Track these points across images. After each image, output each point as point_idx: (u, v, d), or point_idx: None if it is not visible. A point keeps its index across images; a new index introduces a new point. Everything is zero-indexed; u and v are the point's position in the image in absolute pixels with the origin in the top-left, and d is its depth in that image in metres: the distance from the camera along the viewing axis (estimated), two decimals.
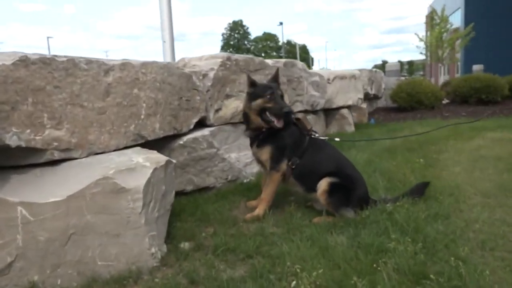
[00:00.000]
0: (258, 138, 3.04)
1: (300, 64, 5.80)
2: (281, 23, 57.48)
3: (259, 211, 2.97)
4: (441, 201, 3.19)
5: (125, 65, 2.67)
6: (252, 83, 3.09)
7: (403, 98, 9.29)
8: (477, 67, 16.79)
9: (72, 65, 2.32)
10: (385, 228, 2.65)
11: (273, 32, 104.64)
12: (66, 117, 2.28)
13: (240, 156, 4.07)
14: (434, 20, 20.23)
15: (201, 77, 3.76)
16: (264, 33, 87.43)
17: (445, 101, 10.22)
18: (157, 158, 2.41)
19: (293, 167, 2.96)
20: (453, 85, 9.98)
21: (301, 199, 3.29)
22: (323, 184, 2.89)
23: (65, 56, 2.31)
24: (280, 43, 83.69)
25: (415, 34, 19.60)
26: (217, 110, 3.97)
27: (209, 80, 3.84)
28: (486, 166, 4.35)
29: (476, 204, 3.21)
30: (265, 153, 2.98)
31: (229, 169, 3.74)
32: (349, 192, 2.89)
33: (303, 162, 2.96)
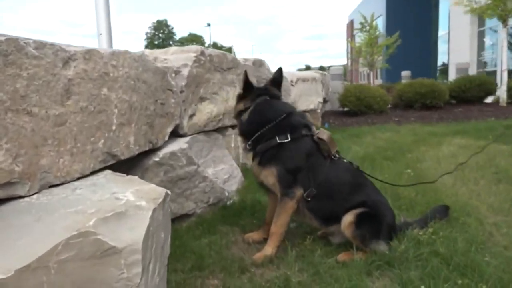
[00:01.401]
0: (262, 153, 2.35)
1: (266, 63, 5.19)
2: (208, 24, 56.58)
3: (269, 249, 2.28)
4: (465, 223, 2.78)
5: (90, 53, 1.83)
6: (246, 85, 2.45)
7: (352, 102, 9.11)
8: (405, 73, 17.53)
9: (14, 49, 1.46)
10: (433, 267, 2.13)
11: (199, 33, 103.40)
12: (6, 131, 1.42)
13: (217, 172, 3.34)
14: (363, 27, 20.87)
15: (173, 75, 2.98)
16: (190, 34, 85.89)
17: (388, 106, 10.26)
18: (151, 190, 1.62)
19: (309, 199, 2.33)
20: (398, 90, 10.05)
21: (307, 227, 2.68)
22: (349, 217, 2.29)
23: (3, 35, 1.44)
24: (206, 45, 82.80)
25: (348, 40, 20.06)
26: (191, 116, 3.20)
27: (182, 78, 3.07)
28: (474, 176, 4.09)
29: (498, 224, 2.85)
30: (270, 174, 2.30)
31: (211, 189, 3.00)
32: (379, 221, 2.32)
33: (322, 191, 2.33)
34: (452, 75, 18.89)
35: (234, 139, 4.13)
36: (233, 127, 4.16)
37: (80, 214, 1.33)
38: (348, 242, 2.38)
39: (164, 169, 2.58)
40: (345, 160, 2.51)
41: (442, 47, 26.25)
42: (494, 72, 16.08)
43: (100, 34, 5.33)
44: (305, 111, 6.51)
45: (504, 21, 9.15)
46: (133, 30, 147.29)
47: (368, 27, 20.33)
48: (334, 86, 10.51)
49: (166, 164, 2.60)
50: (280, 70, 2.63)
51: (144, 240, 1.34)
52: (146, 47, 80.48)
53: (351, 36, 41.79)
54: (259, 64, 4.88)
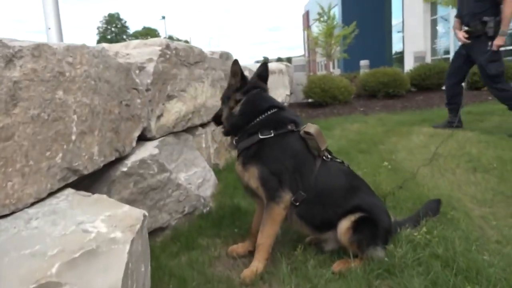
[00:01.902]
0: (245, 151, 2.12)
1: (232, 56, 4.91)
2: (163, 17, 55.07)
3: (258, 264, 2.04)
4: (453, 218, 2.68)
5: (40, 49, 1.51)
6: (242, 76, 2.19)
7: (317, 94, 9.01)
8: (364, 63, 17.76)
9: None
10: (435, 272, 1.98)
11: (154, 27, 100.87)
12: None
13: (190, 176, 3.06)
14: (321, 17, 20.90)
15: (137, 72, 2.66)
16: (144, 28, 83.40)
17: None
18: (126, 216, 1.34)
19: (297, 203, 2.11)
20: (361, 79, 10.06)
21: (294, 233, 2.47)
22: (345, 223, 2.09)
23: None
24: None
25: (306, 30, 20.04)
26: (158, 117, 2.90)
27: (147, 75, 2.75)
28: (450, 166, 4.05)
29: (485, 216, 2.78)
30: (253, 176, 2.05)
31: (186, 197, 2.72)
32: (376, 226, 2.14)
33: (313, 195, 2.11)
34: (408, 64, 19.37)
35: (205, 138, 3.85)
36: (203, 125, 3.88)
37: (38, 257, 1.04)
38: (341, 249, 2.19)
39: (133, 179, 2.28)
40: (338, 160, 2.31)
41: (396, 36, 26.88)
42: (447, 60, 16.62)
43: (49, 28, 4.84)
44: None
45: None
46: (83, 24, 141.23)
47: (326, 17, 20.38)
48: (297, 78, 10.37)
49: (136, 173, 2.29)
50: (265, 65, 2.38)
51: (123, 283, 1.07)
52: (99, 42, 77.54)
53: (307, 26, 42.04)
54: (225, 57, 4.60)
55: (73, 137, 1.65)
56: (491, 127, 5.80)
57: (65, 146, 1.60)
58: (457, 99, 5.79)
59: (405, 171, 3.92)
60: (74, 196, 1.51)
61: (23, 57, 1.41)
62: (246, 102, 2.12)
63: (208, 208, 2.95)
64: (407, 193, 3.24)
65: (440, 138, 5.33)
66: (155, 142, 2.75)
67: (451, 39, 17.17)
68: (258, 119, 2.08)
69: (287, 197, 2.05)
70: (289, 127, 2.10)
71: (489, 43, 5.11)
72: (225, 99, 2.24)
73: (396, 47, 27.15)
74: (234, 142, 2.15)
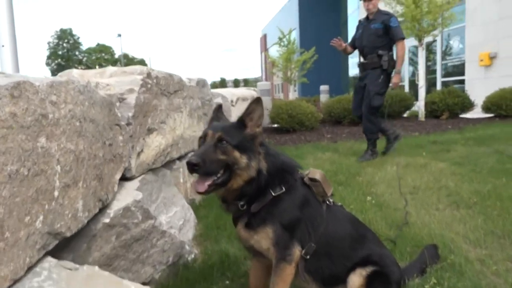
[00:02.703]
0: (247, 212, 1.83)
1: (207, 83, 4.68)
2: (119, 35, 53.93)
3: None
4: (454, 263, 2.56)
5: (21, 88, 1.21)
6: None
7: (284, 119, 8.93)
8: (324, 88, 18.12)
9: None
10: None
11: (108, 44, 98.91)
12: None
13: (171, 219, 2.76)
14: (281, 41, 21.20)
15: (117, 104, 2.36)
16: (98, 45, 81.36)
17: None
18: None
19: (307, 257, 1.88)
20: (327, 106, 10.12)
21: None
22: (357, 279, 1.88)
23: None
24: (116, 56, 78.92)
25: (264, 53, 20.20)
26: (139, 154, 2.59)
27: (129, 108, 2.46)
28: (431, 200, 4.00)
29: (483, 260, 2.69)
30: (265, 237, 1.78)
31: (170, 246, 2.41)
32: (388, 280, 1.95)
33: (322, 247, 1.87)
34: None
35: (182, 172, 3.55)
36: (180, 158, 3.59)
37: None
38: None
39: (116, 231, 1.96)
40: (339, 204, 2.12)
41: (352, 61, 27.80)
42: (401, 87, 17.30)
43: (3, 46, 4.41)
44: None
45: (420, 40, 9.70)
46: (32, 39, 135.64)
47: (286, 42, 20.68)
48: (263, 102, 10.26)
49: (119, 224, 1.98)
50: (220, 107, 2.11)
51: None
52: (49, 57, 74.61)
53: (265, 49, 42.66)
54: (202, 84, 4.36)
55: (56, 193, 1.35)
56: (459, 158, 5.89)
57: (46, 206, 1.29)
58: (376, 127, 6.10)
59: (389, 207, 3.82)
60: (58, 270, 1.20)
61: (0, 99, 1.11)
62: (268, 155, 1.83)
63: (192, 256, 2.65)
64: (400, 233, 3.11)
65: (412, 168, 5.35)
66: (135, 183, 2.45)
67: (405, 67, 17.93)
68: (271, 174, 1.83)
69: (297, 252, 1.82)
70: (295, 175, 1.89)
71: (381, 76, 5.65)
72: (248, 153, 1.75)
73: (352, 72, 28.05)
74: (239, 205, 1.81)
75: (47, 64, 74.95)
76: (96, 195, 1.72)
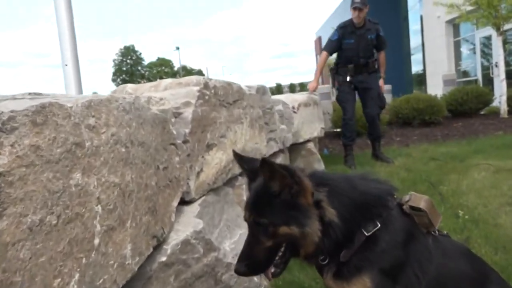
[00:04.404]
0: (335, 260, 1.41)
1: (267, 89, 4.37)
2: (177, 48, 55.85)
3: None
4: None
5: (46, 113, 0.95)
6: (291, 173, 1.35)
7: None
8: (386, 87, 17.18)
9: None
10: None
11: (168, 57, 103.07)
12: None
13: (236, 244, 2.45)
14: None
15: (172, 119, 2.10)
16: (159, 59, 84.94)
17: None
18: None
19: None
20: (394, 106, 9.43)
21: None
22: None
23: None
24: (175, 68, 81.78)
25: (318, 56, 19.69)
26: (198, 173, 2.32)
27: (185, 123, 2.20)
28: None
29: None
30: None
31: (237, 279, 2.10)
32: None
33: None
34: (431, 87, 18.70)
35: (245, 189, 3.25)
36: (242, 174, 3.29)
37: None
38: None
39: (174, 270, 1.67)
40: (444, 233, 1.67)
41: (413, 59, 26.32)
42: (474, 82, 15.93)
43: (66, 65, 4.40)
44: (308, 141, 5.71)
45: (498, 29, 8.73)
46: (99, 57, 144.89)
47: None
48: (323, 106, 9.80)
49: (177, 261, 1.69)
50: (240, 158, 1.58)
51: None
52: (114, 74, 79.13)
53: (320, 52, 41.83)
54: (262, 91, 4.05)
55: (96, 241, 1.07)
56: None
57: (84, 260, 1.01)
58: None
59: (487, 223, 3.25)
60: None
61: (17, 128, 0.85)
62: (335, 196, 1.39)
63: None
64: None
65: (508, 174, 4.65)
66: (195, 207, 2.17)
67: (477, 60, 16.54)
68: (352, 214, 1.43)
69: None
70: (389, 203, 1.48)
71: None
72: (298, 219, 1.31)
73: (415, 68, 26.55)
74: (320, 261, 1.42)
75: (113, 80, 79.43)
76: (149, 232, 1.44)
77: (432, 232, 1.54)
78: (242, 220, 2.83)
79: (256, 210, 1.37)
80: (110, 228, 1.15)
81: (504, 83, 9.02)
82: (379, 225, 1.39)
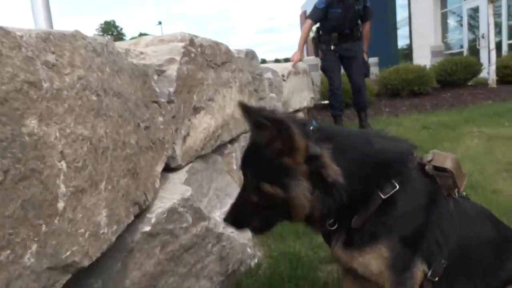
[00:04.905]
0: (345, 227, 1.23)
1: (255, 53, 4.12)
2: (160, 23, 54.39)
3: None
4: None
5: None
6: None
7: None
8: (373, 60, 17.01)
9: None
10: None
11: (150, 32, 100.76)
12: None
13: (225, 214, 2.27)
14: None
15: (155, 77, 1.87)
16: (140, 34, 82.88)
17: None
18: None
19: (436, 279, 1.28)
20: (383, 77, 9.26)
21: None
22: None
23: None
24: None
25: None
26: (184, 138, 2.11)
27: (170, 82, 1.97)
28: None
29: None
30: (377, 258, 1.21)
31: (229, 251, 1.93)
32: None
33: (457, 261, 1.28)
34: (417, 59, 18.54)
35: (235, 157, 3.05)
36: (231, 141, 3.09)
37: None
38: None
39: (160, 241, 1.48)
40: (464, 195, 1.49)
41: (400, 31, 26.04)
42: (460, 54, 15.82)
43: None
44: (298, 110, 5.52)
45: None
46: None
47: None
48: (311, 78, 9.59)
49: (163, 231, 1.50)
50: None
51: None
52: None
53: None
54: (251, 56, 3.81)
55: (60, 205, 0.87)
56: None
57: (44, 228, 0.81)
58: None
59: (486, 189, 3.14)
60: None
61: None
62: (342, 153, 1.19)
63: (256, 260, 2.15)
64: None
65: (502, 141, 4.56)
66: (182, 174, 1.97)
67: (464, 32, 16.40)
68: (365, 173, 1.24)
69: (419, 273, 1.25)
70: (409, 164, 1.29)
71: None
72: (282, 180, 1.13)
73: (401, 42, 26.33)
74: (327, 226, 1.24)
75: None
76: (129, 197, 1.24)
77: (453, 195, 1.37)
78: (232, 189, 2.66)
79: (245, 160, 1.23)
80: (79, 190, 0.95)
81: (494, 52, 8.90)
82: (398, 187, 1.21)
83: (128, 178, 1.24)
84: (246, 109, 1.13)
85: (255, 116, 1.10)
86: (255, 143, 1.19)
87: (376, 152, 1.25)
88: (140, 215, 1.42)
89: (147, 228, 1.42)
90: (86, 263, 0.95)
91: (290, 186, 1.12)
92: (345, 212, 1.21)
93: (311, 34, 6.52)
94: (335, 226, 1.23)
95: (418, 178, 1.28)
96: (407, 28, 23.04)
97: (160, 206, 1.54)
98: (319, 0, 5.80)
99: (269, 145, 1.12)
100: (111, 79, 1.18)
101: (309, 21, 5.90)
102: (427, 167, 1.31)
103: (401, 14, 25.03)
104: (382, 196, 1.19)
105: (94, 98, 1.05)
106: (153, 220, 1.45)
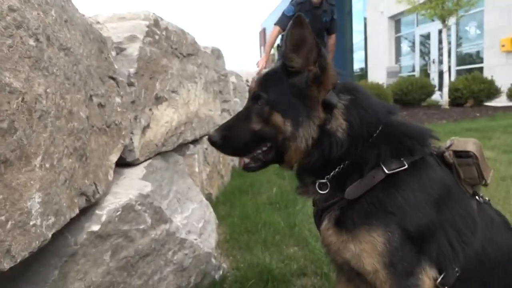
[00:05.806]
0: (347, 204, 1.05)
1: (221, 52, 3.90)
2: None
3: None
4: None
5: None
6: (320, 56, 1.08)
7: None
8: None
9: None
10: None
11: None
12: None
13: (188, 220, 2.00)
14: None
15: (114, 54, 1.60)
16: None
17: None
18: None
19: None
20: None
21: None
22: None
23: None
24: None
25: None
26: (144, 129, 1.83)
27: (130, 62, 1.71)
28: (501, 195, 3.26)
29: None
30: (371, 250, 1.00)
31: (193, 260, 1.65)
32: None
33: (473, 270, 1.09)
34: (373, 80, 19.11)
35: (198, 160, 2.78)
36: (194, 142, 2.82)
37: None
38: None
39: (111, 245, 1.19)
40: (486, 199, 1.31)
41: (357, 55, 26.91)
42: (412, 77, 16.47)
43: None
44: None
45: (444, 21, 8.90)
46: None
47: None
48: None
49: (116, 233, 1.21)
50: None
51: None
52: None
53: (264, 43, 41.74)
54: (217, 55, 3.59)
55: None
56: (506, 146, 5.15)
57: None
58: None
59: None
60: None
61: None
62: (357, 108, 1.07)
63: (221, 272, 1.89)
64: None
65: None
66: (140, 170, 1.70)
67: (416, 56, 17.13)
68: (372, 139, 1.07)
69: (427, 281, 1.05)
70: (425, 148, 1.11)
71: None
72: (296, 116, 1.06)
73: (357, 66, 27.21)
74: (318, 186, 1.09)
75: None
76: (73, 184, 0.96)
77: (477, 195, 1.18)
78: (194, 193, 2.40)
79: (264, 82, 1.14)
80: (1, 161, 0.67)
81: (447, 75, 9.25)
82: (406, 166, 1.02)
83: (74, 160, 0.96)
84: (301, 21, 1.03)
85: (305, 30, 1.03)
86: (285, 66, 1.09)
87: (392, 121, 1.10)
88: (87, 210, 1.13)
89: (96, 228, 1.13)
90: (6, 265, 0.67)
91: (302, 125, 1.04)
92: (339, 178, 1.05)
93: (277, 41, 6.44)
94: (327, 190, 1.07)
95: (434, 164, 1.10)
96: (362, 52, 23.87)
97: (114, 202, 1.25)
98: (287, 7, 5.74)
99: (302, 70, 1.06)
100: (57, 28, 0.91)
101: (277, 28, 5.82)
102: (446, 153, 1.13)
103: (356, 37, 25.97)
104: (386, 171, 1.00)
105: (32, 43, 0.78)
106: (103, 218, 1.16)
